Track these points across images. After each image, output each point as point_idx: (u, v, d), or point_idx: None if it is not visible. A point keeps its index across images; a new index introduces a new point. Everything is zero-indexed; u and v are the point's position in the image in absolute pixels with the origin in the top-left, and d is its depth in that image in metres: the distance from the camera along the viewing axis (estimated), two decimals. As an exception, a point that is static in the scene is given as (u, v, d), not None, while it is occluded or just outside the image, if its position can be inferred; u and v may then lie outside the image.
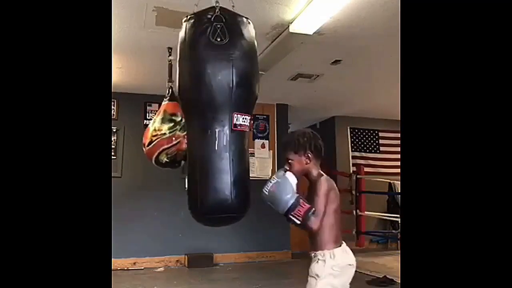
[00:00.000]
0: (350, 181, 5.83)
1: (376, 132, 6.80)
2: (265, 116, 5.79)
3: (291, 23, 3.13)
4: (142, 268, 4.91)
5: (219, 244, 5.16)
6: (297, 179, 1.60)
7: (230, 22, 1.71)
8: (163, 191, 4.98)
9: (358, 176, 5.86)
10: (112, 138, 5.00)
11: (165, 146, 3.01)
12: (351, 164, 6.47)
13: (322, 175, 1.67)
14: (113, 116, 5.05)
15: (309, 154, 1.65)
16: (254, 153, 5.56)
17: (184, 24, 1.74)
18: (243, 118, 1.71)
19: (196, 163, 1.74)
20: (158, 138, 3.02)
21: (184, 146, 2.89)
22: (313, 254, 1.64)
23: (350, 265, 1.64)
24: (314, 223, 1.53)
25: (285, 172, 1.62)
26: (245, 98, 1.73)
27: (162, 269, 4.91)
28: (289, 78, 4.64)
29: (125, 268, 4.83)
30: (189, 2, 1.95)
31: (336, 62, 4.09)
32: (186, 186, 1.79)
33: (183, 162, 3.08)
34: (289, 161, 1.67)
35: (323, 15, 2.98)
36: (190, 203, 1.78)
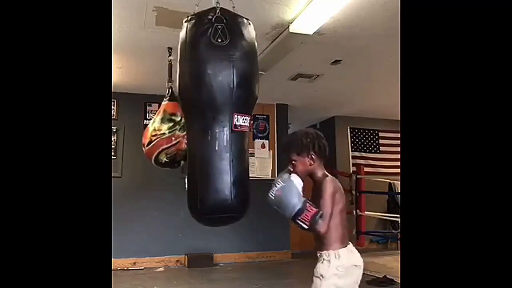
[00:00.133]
0: (350, 181, 5.82)
1: (376, 132, 6.80)
2: (265, 116, 5.79)
3: (291, 23, 3.13)
4: (142, 268, 4.91)
5: (219, 244, 5.16)
6: (302, 181, 1.57)
7: (231, 23, 1.71)
8: (163, 191, 4.98)
9: (358, 176, 5.86)
10: (112, 138, 5.00)
11: (165, 146, 3.01)
12: (351, 164, 6.47)
13: (327, 175, 1.64)
14: (113, 116, 5.05)
15: (312, 155, 1.61)
16: (254, 153, 5.56)
17: (185, 24, 1.75)
18: (243, 119, 1.71)
19: (196, 163, 1.74)
20: (157, 138, 3.02)
21: (184, 146, 2.90)
22: (318, 254, 1.61)
23: (355, 265, 1.59)
24: (321, 226, 1.51)
25: (290, 174, 1.59)
26: (246, 98, 1.73)
27: (162, 269, 4.91)
28: (289, 78, 4.64)
29: (125, 268, 4.83)
30: (189, 2, 1.96)
31: (336, 62, 4.09)
32: (186, 186, 1.79)
33: (182, 162, 3.08)
34: (293, 161, 1.63)
35: (323, 15, 2.98)
36: (190, 203, 1.78)
